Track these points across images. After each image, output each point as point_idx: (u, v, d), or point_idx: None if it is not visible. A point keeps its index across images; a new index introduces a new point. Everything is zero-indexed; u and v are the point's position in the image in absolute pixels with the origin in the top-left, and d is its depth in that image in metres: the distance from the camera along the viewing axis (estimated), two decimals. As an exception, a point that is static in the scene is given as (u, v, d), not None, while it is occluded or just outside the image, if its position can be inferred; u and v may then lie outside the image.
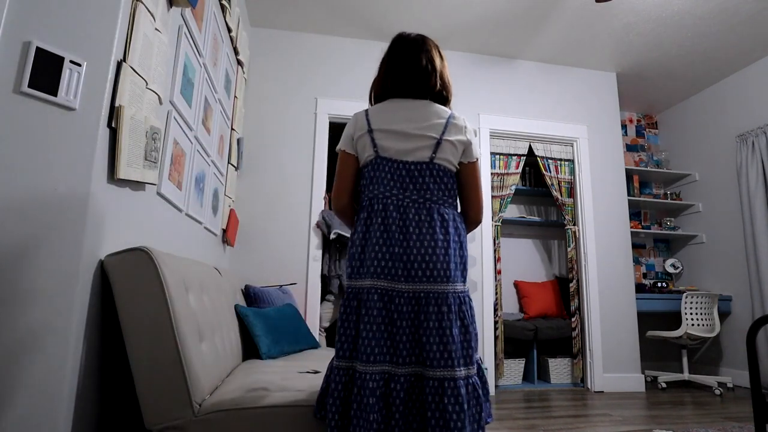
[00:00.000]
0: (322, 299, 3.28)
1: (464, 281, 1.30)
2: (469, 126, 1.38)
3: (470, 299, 1.30)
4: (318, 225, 3.26)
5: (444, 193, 1.32)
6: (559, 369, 3.75)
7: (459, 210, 1.41)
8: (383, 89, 1.41)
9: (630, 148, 4.80)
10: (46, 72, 1.16)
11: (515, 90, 3.85)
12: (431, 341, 1.19)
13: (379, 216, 1.28)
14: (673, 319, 4.45)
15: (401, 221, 1.27)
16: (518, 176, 3.75)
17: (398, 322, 1.22)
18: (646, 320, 4.39)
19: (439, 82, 1.38)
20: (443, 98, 1.40)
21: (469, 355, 1.24)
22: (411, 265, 1.23)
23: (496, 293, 3.53)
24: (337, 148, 1.40)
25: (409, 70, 1.36)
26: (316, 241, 3.27)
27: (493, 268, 3.50)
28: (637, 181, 4.52)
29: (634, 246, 4.55)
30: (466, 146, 1.36)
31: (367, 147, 1.33)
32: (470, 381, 1.22)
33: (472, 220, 1.42)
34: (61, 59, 1.18)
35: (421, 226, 1.26)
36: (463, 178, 1.38)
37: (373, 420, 1.14)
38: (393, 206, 1.28)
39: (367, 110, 1.38)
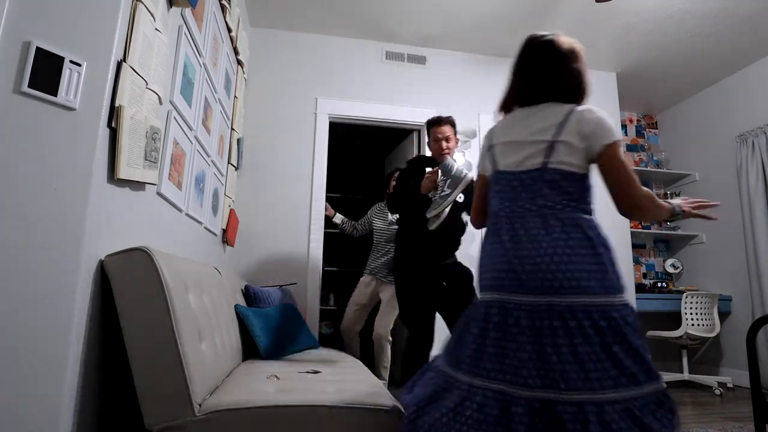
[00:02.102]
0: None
1: (608, 292, 1.12)
2: (595, 112, 1.23)
3: (619, 311, 1.11)
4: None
5: (563, 198, 1.20)
6: (559, 369, 3.75)
7: (593, 213, 1.26)
8: (514, 99, 1.37)
9: (630, 148, 4.80)
10: (46, 72, 1.16)
11: (515, 90, 3.85)
12: (562, 360, 1.05)
13: (492, 229, 1.28)
14: (673, 319, 4.44)
15: (513, 232, 1.21)
16: (518, 176, 3.74)
17: (519, 337, 1.11)
18: (646, 320, 4.39)
19: (574, 85, 1.30)
20: (576, 97, 1.31)
21: (625, 375, 1.05)
22: (525, 276, 1.14)
23: (496, 293, 3.52)
24: (478, 171, 1.46)
25: (543, 77, 1.30)
26: (316, 240, 3.27)
27: (493, 268, 3.49)
28: (637, 181, 4.52)
29: (634, 246, 4.55)
30: (589, 135, 1.20)
31: (488, 164, 1.36)
32: (631, 406, 1.02)
33: (626, 210, 1.22)
34: (61, 59, 1.18)
35: (535, 234, 1.17)
36: (601, 169, 1.23)
37: None
38: (506, 218, 1.25)
39: (495, 125, 1.40)
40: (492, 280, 1.22)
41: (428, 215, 2.21)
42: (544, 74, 1.30)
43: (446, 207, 2.20)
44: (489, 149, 1.35)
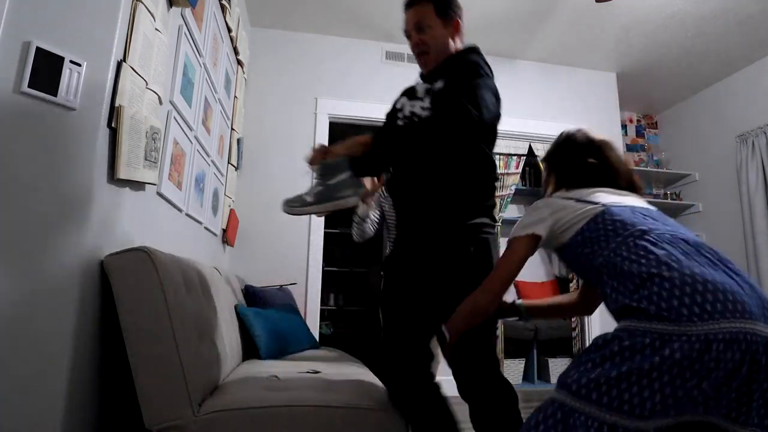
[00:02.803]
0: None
1: None
2: None
3: None
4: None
5: None
6: (559, 369, 3.75)
7: None
8: (591, 181, 1.34)
9: (630, 148, 4.80)
10: (46, 72, 1.16)
11: (515, 90, 3.85)
12: None
13: (672, 245, 1.02)
14: (673, 319, 4.44)
15: (708, 255, 1.01)
16: (518, 176, 3.75)
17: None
18: (646, 320, 4.39)
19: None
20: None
21: None
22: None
23: (496, 293, 3.52)
24: (521, 234, 1.24)
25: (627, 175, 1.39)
26: (315, 240, 3.27)
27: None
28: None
29: (634, 246, 4.55)
30: None
31: (578, 209, 1.19)
32: None
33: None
34: (61, 59, 1.18)
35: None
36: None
37: None
38: (681, 240, 1.04)
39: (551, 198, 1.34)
40: (734, 304, 0.89)
41: (284, 205, 1.36)
42: (627, 173, 1.42)
43: (300, 213, 1.38)
44: (575, 201, 1.22)
